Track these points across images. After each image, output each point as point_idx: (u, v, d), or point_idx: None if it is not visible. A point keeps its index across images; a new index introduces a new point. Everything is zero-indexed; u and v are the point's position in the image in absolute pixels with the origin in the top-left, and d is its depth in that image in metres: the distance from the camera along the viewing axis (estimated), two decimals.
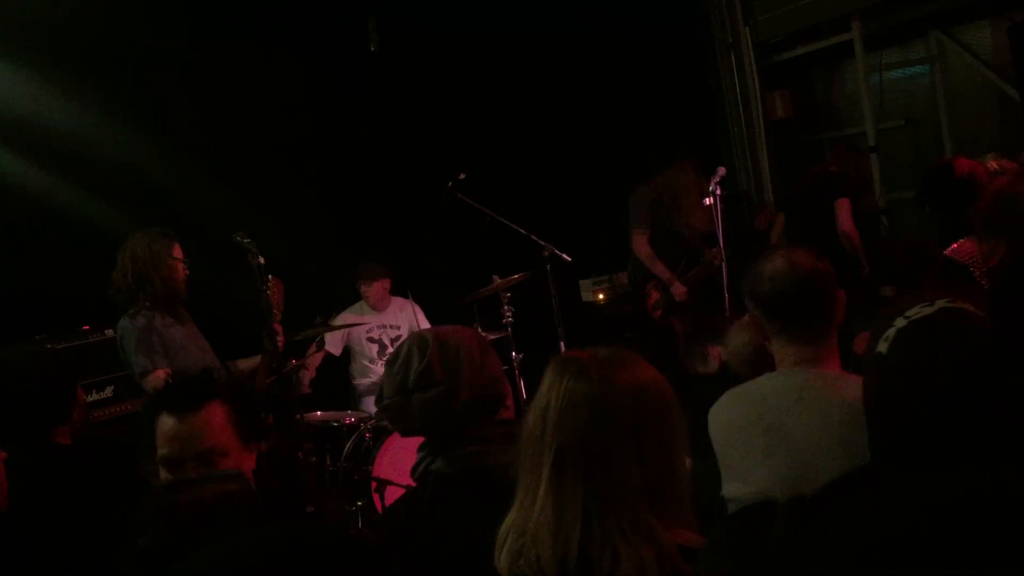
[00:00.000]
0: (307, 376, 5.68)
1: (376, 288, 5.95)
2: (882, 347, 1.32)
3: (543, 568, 1.46)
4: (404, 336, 6.05)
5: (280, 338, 4.15)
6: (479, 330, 5.48)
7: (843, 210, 5.58)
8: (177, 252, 4.08)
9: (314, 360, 5.78)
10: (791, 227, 5.94)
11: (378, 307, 6.02)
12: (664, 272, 5.86)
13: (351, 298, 6.06)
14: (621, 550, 1.43)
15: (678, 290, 5.80)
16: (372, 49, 6.34)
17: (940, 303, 1.34)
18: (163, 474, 2.10)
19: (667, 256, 5.90)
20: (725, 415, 2.09)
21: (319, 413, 5.46)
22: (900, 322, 1.33)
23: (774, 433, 1.98)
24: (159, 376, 3.82)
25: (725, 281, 5.29)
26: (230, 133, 5.96)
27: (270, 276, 4.11)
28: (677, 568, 1.43)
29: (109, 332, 4.60)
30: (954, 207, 3.63)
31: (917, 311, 1.33)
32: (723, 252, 5.31)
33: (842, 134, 7.51)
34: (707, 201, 5.38)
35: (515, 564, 1.50)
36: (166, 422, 2.08)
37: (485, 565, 1.59)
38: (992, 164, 4.37)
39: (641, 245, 5.93)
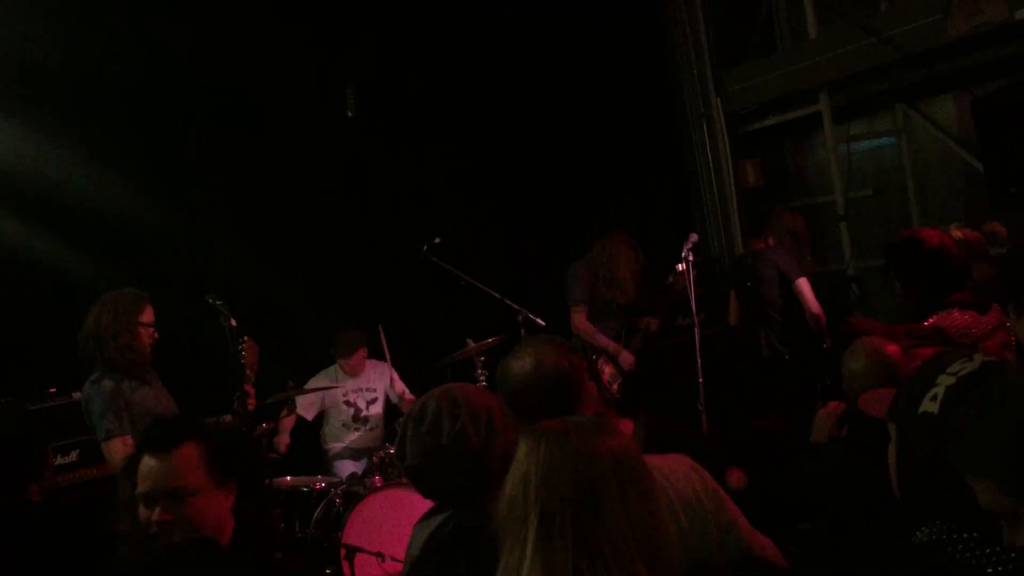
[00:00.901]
0: (282, 441, 5.62)
1: (354, 360, 5.91)
2: (930, 407, 1.31)
3: None
4: (380, 399, 6.01)
5: (251, 401, 4.10)
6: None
7: (806, 291, 5.55)
8: (147, 316, 3.99)
9: (287, 423, 5.71)
10: (742, 303, 5.95)
11: (355, 373, 5.98)
12: (608, 344, 5.82)
13: (325, 362, 6.02)
14: None
15: (627, 360, 5.78)
16: (349, 115, 6.41)
17: (978, 357, 1.35)
18: (141, 511, 2.17)
19: (611, 328, 5.89)
20: None
21: (288, 478, 5.37)
22: (946, 379, 1.32)
23: None
24: (124, 443, 3.77)
25: (697, 347, 5.31)
26: (208, 193, 5.98)
27: (246, 337, 4.07)
28: None
29: (76, 395, 4.53)
30: (928, 280, 3.59)
31: (959, 367, 1.33)
32: (696, 317, 5.34)
33: (813, 202, 7.63)
34: (679, 267, 5.42)
35: None
36: (145, 462, 2.18)
37: None
38: (956, 233, 4.45)
39: (580, 321, 5.89)
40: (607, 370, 5.82)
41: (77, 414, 4.18)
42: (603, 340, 5.82)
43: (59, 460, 4.60)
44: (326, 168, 6.47)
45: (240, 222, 6.07)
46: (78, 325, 4.00)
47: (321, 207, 6.45)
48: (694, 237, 5.50)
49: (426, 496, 2.10)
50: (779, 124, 7.54)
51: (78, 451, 4.65)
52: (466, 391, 2.10)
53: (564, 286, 5.96)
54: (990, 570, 1.23)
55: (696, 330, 5.32)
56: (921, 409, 1.33)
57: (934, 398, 1.31)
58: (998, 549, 1.25)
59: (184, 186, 5.90)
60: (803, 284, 5.57)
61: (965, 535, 1.27)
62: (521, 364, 2.24)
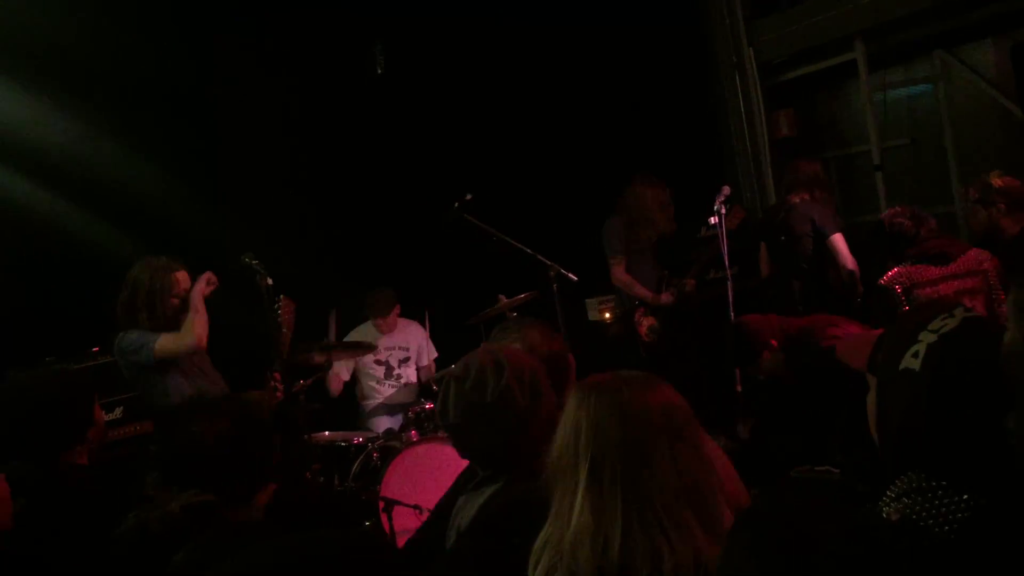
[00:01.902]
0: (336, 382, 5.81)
1: (391, 318, 5.97)
2: (911, 363, 1.33)
3: None
4: (412, 358, 6.07)
5: (279, 387, 4.14)
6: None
7: (841, 247, 5.48)
8: (183, 283, 4.08)
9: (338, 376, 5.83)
10: (774, 257, 5.90)
11: (388, 331, 6.04)
12: (647, 294, 5.76)
13: (358, 319, 6.08)
14: (662, 549, 1.45)
15: (666, 298, 5.72)
16: (378, 72, 6.39)
17: (959, 313, 1.36)
18: None
19: (649, 277, 5.86)
20: None
21: (327, 433, 5.47)
22: (928, 336, 1.34)
23: None
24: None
25: (731, 301, 5.29)
26: (237, 155, 6.01)
27: (281, 296, 4.11)
28: None
29: None
30: (888, 248, 4.42)
31: (940, 324, 1.35)
32: (728, 270, 5.31)
33: (847, 152, 7.53)
34: (712, 220, 5.38)
35: None
36: None
37: None
38: (996, 182, 4.39)
39: (619, 273, 5.86)
40: (645, 323, 5.79)
41: (120, 372, 4.27)
42: (641, 291, 5.79)
43: (104, 417, 4.70)
44: (355, 125, 6.48)
45: (271, 185, 6.11)
46: (115, 287, 4.08)
47: (352, 166, 6.47)
48: (726, 190, 5.45)
49: (468, 457, 2.09)
50: (813, 73, 7.41)
51: (122, 408, 4.76)
52: (508, 352, 2.10)
53: (601, 241, 5.92)
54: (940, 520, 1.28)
55: (729, 283, 5.30)
56: (903, 365, 1.35)
57: (916, 355, 1.33)
58: (965, 498, 1.28)
59: (213, 150, 5.94)
60: (838, 240, 5.49)
61: (944, 483, 1.30)
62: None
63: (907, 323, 1.39)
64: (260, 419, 2.29)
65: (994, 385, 1.27)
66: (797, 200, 5.64)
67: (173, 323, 4.06)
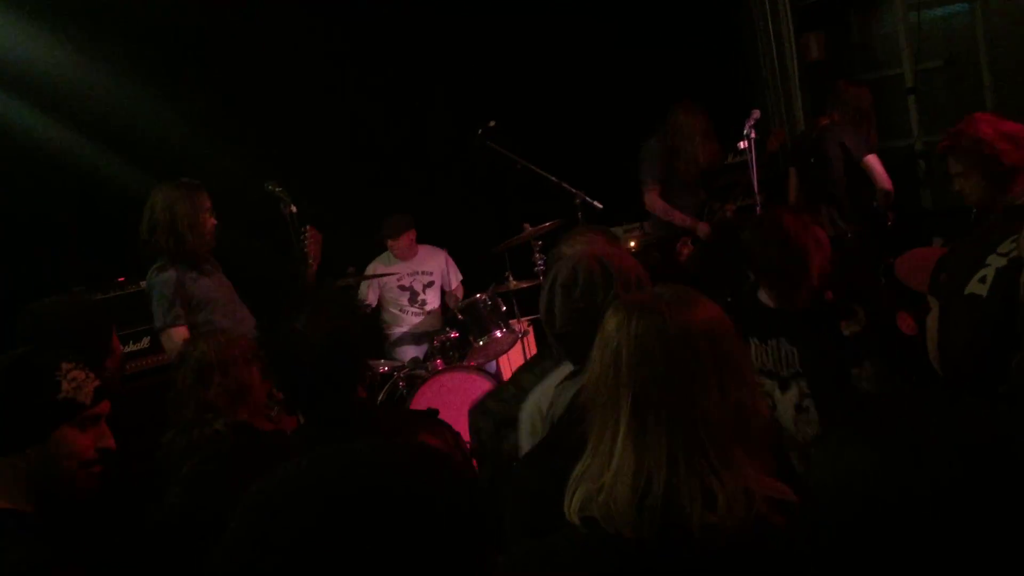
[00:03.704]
0: None
1: (403, 241, 5.93)
2: (978, 288, 1.27)
3: (615, 513, 1.38)
4: (437, 283, 6.07)
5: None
6: (510, 278, 5.50)
7: (876, 167, 5.37)
8: (208, 203, 4.01)
9: None
10: (804, 182, 5.78)
11: (406, 257, 6.01)
12: (684, 220, 5.61)
13: (381, 248, 6.06)
14: (714, 488, 1.36)
15: (703, 229, 5.59)
16: None
17: None
18: None
19: (689, 204, 5.71)
20: None
21: None
22: (997, 260, 1.28)
23: None
24: (179, 333, 3.84)
25: None
26: (257, 84, 5.93)
27: (308, 227, 4.06)
28: (770, 520, 1.35)
29: (143, 284, 4.62)
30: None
31: (1009, 246, 1.29)
32: (758, 197, 5.22)
33: (879, 76, 7.33)
34: (741, 144, 5.27)
35: (585, 509, 1.42)
36: None
37: None
38: None
39: (654, 199, 5.68)
40: (685, 251, 5.66)
41: (147, 302, 4.27)
42: (679, 217, 5.63)
43: (131, 347, 4.74)
44: (378, 50, 6.37)
45: (292, 113, 6.04)
46: (136, 218, 4.02)
47: (375, 93, 6.38)
48: (756, 114, 5.33)
49: (574, 360, 2.09)
50: None
51: (149, 338, 4.78)
52: (610, 255, 2.08)
53: (637, 165, 5.77)
54: None
55: (758, 209, 5.23)
56: (968, 290, 1.29)
57: (983, 280, 1.26)
58: None
59: (232, 80, 5.86)
60: (872, 160, 5.39)
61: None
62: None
63: (972, 246, 1.33)
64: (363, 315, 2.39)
65: None
66: (826, 122, 5.55)
67: (209, 242, 3.99)
